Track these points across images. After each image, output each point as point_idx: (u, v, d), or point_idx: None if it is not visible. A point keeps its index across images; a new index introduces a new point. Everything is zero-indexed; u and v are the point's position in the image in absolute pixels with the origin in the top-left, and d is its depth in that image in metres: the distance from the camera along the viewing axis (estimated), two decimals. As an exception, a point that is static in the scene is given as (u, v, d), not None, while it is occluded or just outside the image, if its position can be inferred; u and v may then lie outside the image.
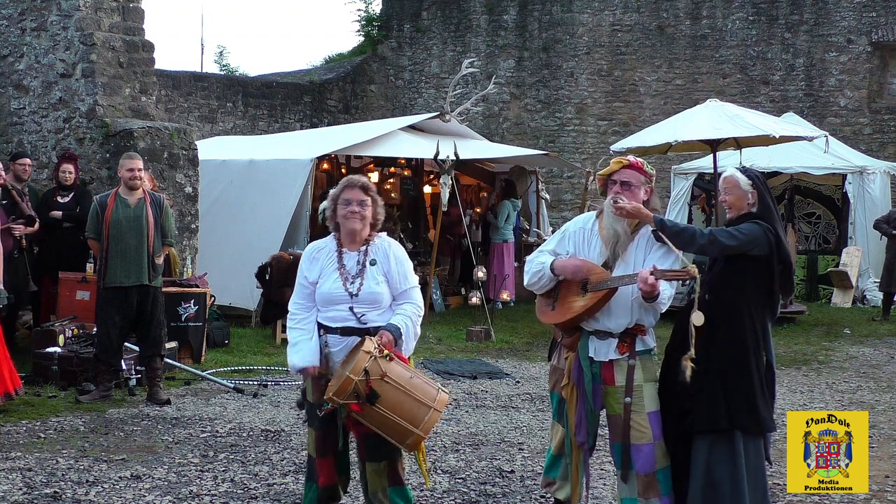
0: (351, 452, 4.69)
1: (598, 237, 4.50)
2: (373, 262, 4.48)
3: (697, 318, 4.21)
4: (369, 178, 14.69)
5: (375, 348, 4.21)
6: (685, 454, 4.43)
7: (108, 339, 7.53)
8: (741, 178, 4.52)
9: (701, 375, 4.36)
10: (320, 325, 4.46)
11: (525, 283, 4.68)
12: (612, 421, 4.46)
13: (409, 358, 4.47)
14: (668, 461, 4.38)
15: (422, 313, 4.57)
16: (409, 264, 4.59)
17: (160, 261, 7.69)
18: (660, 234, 4.35)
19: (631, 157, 4.56)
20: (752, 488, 4.37)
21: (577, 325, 4.45)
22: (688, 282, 4.26)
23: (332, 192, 4.62)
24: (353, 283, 4.43)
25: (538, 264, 4.53)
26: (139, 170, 7.58)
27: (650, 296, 4.20)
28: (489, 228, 13.94)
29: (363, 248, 4.50)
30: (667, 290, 4.26)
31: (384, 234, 4.62)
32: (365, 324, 4.40)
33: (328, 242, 4.59)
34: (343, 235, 4.52)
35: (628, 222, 4.41)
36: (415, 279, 4.59)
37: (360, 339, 4.33)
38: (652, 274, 4.15)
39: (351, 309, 4.40)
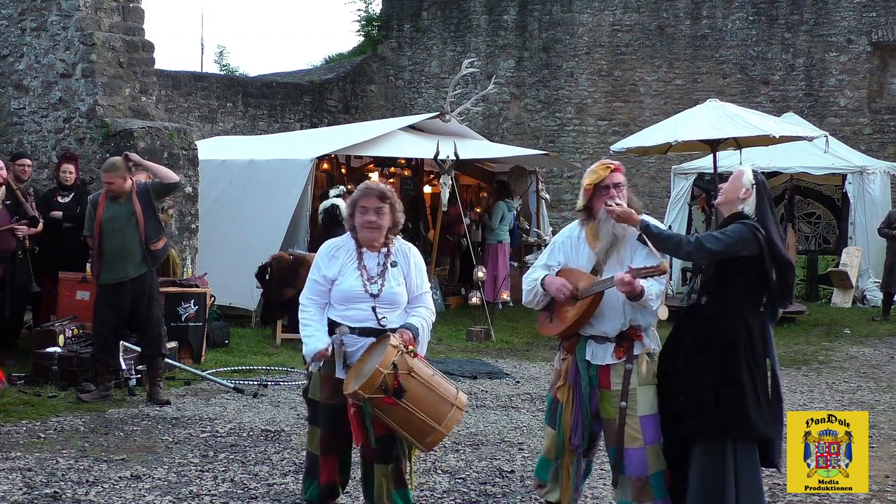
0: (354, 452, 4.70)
1: (585, 244, 4.53)
2: (394, 264, 4.52)
3: (662, 312, 4.28)
4: (369, 178, 14.71)
5: (401, 343, 4.23)
6: (685, 458, 4.42)
7: (103, 338, 7.53)
8: (747, 173, 4.52)
9: (694, 380, 4.37)
10: (335, 324, 4.48)
11: (524, 301, 4.73)
12: (606, 425, 4.46)
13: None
14: (661, 465, 4.37)
15: (434, 318, 4.65)
16: (425, 269, 4.68)
17: (158, 246, 7.51)
18: (643, 237, 4.37)
19: (610, 161, 4.58)
20: (746, 497, 4.34)
21: (578, 330, 4.47)
22: (662, 278, 4.29)
23: (352, 195, 4.65)
24: (374, 283, 4.46)
25: (531, 282, 4.59)
26: (110, 183, 7.38)
27: (633, 295, 4.24)
28: (484, 229, 13.94)
29: (384, 249, 4.53)
30: (654, 288, 4.28)
31: (399, 236, 4.66)
32: (384, 326, 4.42)
33: (346, 241, 4.62)
34: (361, 240, 4.55)
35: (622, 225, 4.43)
36: (428, 284, 4.68)
37: (376, 338, 4.35)
38: (627, 273, 4.20)
39: (373, 309, 4.42)
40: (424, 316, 4.55)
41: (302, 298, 4.59)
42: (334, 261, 4.56)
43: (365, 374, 4.21)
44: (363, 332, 4.44)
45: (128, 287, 7.43)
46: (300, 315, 4.58)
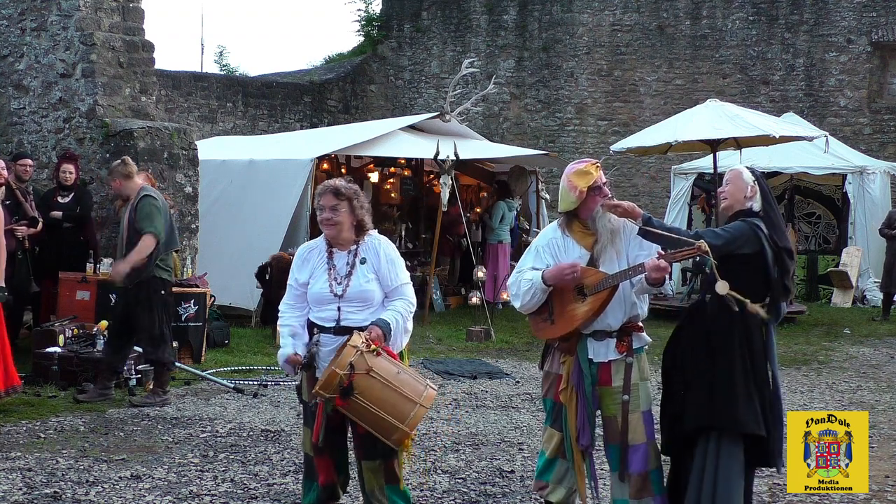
0: (350, 452, 4.70)
1: (574, 243, 4.50)
2: (363, 261, 4.49)
3: (721, 286, 4.13)
4: (369, 178, 14.62)
5: (363, 343, 4.21)
6: (686, 454, 4.43)
7: (108, 338, 7.66)
8: (745, 172, 4.53)
9: (692, 377, 4.38)
10: (314, 325, 4.49)
11: (518, 306, 4.61)
12: (607, 422, 4.46)
13: (399, 353, 4.47)
14: (660, 461, 4.39)
15: (413, 309, 4.56)
16: (401, 262, 4.59)
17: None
18: (648, 230, 4.35)
19: (588, 161, 4.56)
20: (724, 494, 4.31)
21: (581, 330, 4.46)
22: (699, 258, 4.28)
23: None
24: (340, 283, 4.45)
25: (526, 282, 4.48)
26: (110, 186, 7.75)
27: (660, 282, 4.25)
28: (485, 229, 13.93)
29: (353, 247, 4.52)
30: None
31: (375, 231, 4.62)
32: (343, 325, 4.40)
33: (319, 243, 4.62)
34: (327, 238, 4.56)
35: (613, 218, 4.44)
36: (406, 276, 4.58)
37: (349, 335, 4.34)
38: (661, 258, 4.16)
39: (338, 309, 4.43)
40: (400, 309, 4.45)
41: (281, 305, 4.61)
42: (306, 264, 4.57)
43: (326, 373, 4.23)
44: (338, 330, 4.42)
45: (122, 292, 7.45)
46: (279, 322, 4.60)
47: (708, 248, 4.10)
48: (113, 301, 8.15)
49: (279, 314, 4.60)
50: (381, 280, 4.49)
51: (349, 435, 4.56)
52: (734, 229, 4.39)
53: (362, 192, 4.64)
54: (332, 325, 4.43)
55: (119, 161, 7.65)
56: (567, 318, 4.42)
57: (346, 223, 4.48)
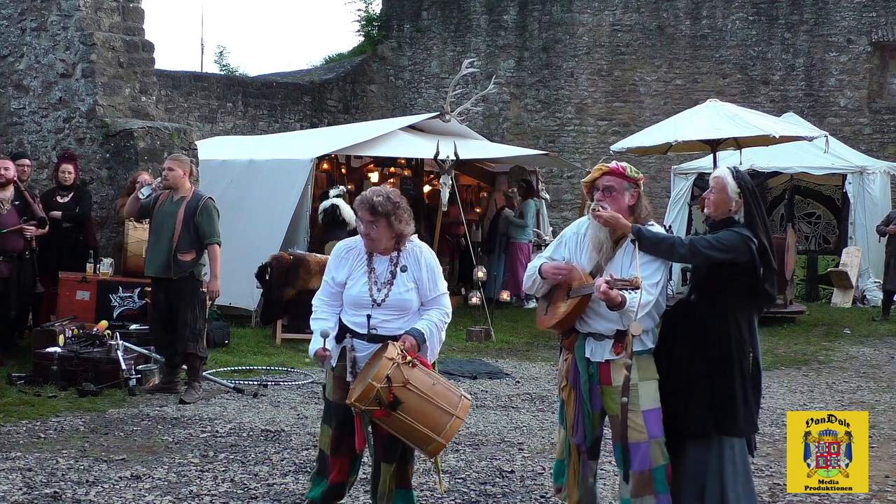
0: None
1: (588, 243, 4.51)
2: (403, 269, 4.49)
3: (635, 328, 4.20)
4: (369, 178, 14.53)
5: (398, 354, 4.20)
6: (680, 451, 4.45)
7: (153, 329, 7.98)
8: (730, 184, 4.48)
9: (689, 379, 4.38)
10: (347, 329, 4.48)
11: (523, 287, 4.74)
12: (612, 421, 4.47)
13: (433, 363, 4.48)
14: (665, 459, 4.38)
15: (449, 319, 4.57)
16: (440, 270, 4.61)
17: (186, 258, 7.55)
18: (641, 240, 4.33)
19: (613, 163, 4.53)
20: (743, 489, 4.35)
21: (570, 327, 4.47)
22: (651, 289, 4.28)
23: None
24: (380, 290, 4.44)
25: (532, 268, 4.60)
26: (171, 170, 7.75)
27: (611, 304, 4.20)
28: (510, 228, 13.77)
29: (393, 254, 4.51)
30: (637, 299, 4.19)
31: (416, 237, 4.60)
32: (377, 335, 4.40)
33: (357, 243, 4.61)
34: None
35: (609, 230, 4.41)
36: (444, 285, 4.59)
37: (383, 344, 4.34)
38: (606, 283, 4.16)
39: (368, 317, 4.41)
40: (435, 319, 4.47)
41: (314, 299, 4.60)
42: (344, 263, 4.56)
43: (362, 385, 4.22)
44: (372, 338, 4.43)
45: (162, 282, 7.70)
46: (312, 316, 4.58)
47: (640, 284, 4.09)
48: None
49: (313, 308, 4.59)
50: (420, 289, 4.50)
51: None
52: (728, 241, 4.38)
53: (404, 202, 4.55)
54: (364, 331, 4.43)
55: (175, 159, 7.95)
56: (552, 313, 4.50)
57: (384, 238, 4.47)
